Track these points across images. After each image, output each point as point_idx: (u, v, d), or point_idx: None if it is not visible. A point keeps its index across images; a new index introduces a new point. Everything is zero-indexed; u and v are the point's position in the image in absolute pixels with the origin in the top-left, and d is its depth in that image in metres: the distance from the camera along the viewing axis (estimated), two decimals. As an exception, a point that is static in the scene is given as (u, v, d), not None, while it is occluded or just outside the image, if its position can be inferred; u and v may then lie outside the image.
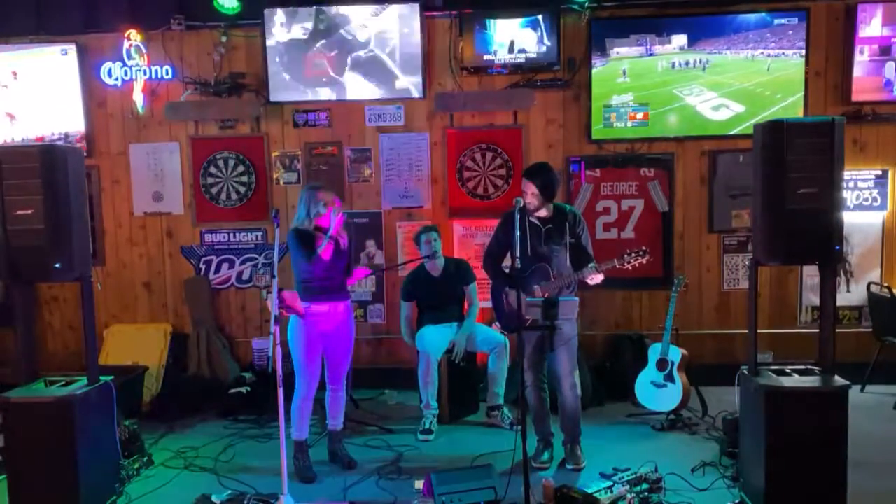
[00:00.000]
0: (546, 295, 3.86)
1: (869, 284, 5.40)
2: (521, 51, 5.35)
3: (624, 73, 5.36)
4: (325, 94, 5.49)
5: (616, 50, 5.33)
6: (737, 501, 3.54)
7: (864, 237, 5.44)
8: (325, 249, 3.87)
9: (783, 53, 5.26)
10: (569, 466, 4.04)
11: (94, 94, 5.70)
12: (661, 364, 4.71)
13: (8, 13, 5.61)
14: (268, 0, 5.40)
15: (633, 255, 3.86)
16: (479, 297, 5.08)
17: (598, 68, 5.35)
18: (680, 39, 5.31)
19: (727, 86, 5.34)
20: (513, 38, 5.34)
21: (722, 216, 5.52)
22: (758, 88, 5.32)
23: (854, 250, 5.44)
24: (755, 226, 3.56)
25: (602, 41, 5.33)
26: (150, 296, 5.88)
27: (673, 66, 5.34)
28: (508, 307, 4.08)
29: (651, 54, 5.32)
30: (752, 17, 5.27)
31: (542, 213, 3.97)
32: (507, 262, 4.17)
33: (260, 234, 5.79)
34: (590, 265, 3.87)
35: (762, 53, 5.28)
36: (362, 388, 5.43)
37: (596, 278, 3.88)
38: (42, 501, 3.49)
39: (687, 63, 5.34)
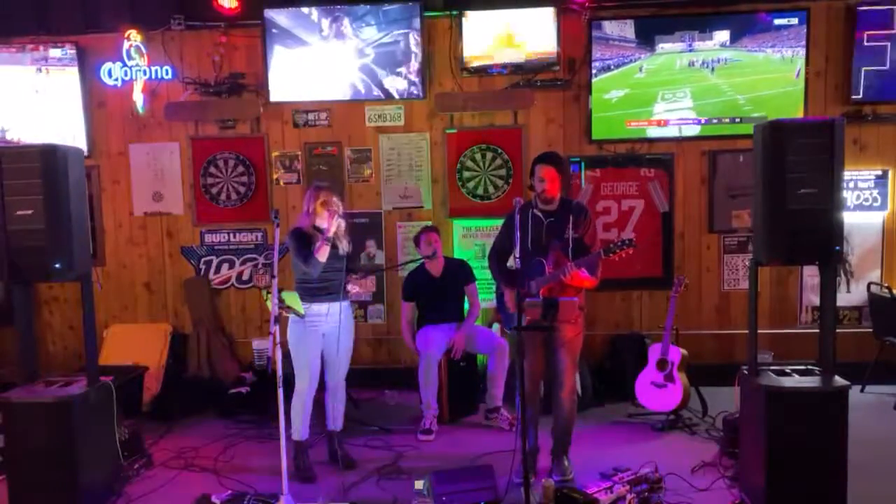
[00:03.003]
0: (542, 291, 3.75)
1: (869, 284, 5.40)
2: (521, 51, 5.37)
3: (641, 69, 5.35)
4: (326, 94, 5.49)
5: (661, 46, 5.31)
6: (737, 501, 3.54)
7: (864, 237, 5.43)
8: (320, 250, 3.88)
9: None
10: (556, 478, 3.78)
11: (95, 95, 5.70)
12: (661, 364, 4.71)
13: (8, 13, 5.61)
14: (268, 0, 5.41)
15: (619, 245, 3.62)
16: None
17: (628, 66, 5.35)
18: (722, 35, 5.27)
19: (720, 95, 5.30)
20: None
21: (722, 216, 5.52)
22: (746, 106, 5.28)
23: (854, 250, 5.44)
24: (755, 226, 3.56)
25: (651, 38, 5.30)
26: (150, 296, 5.88)
27: (690, 64, 5.32)
28: (510, 306, 4.02)
29: (691, 50, 5.30)
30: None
31: (551, 205, 3.80)
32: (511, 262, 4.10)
33: (260, 234, 5.79)
34: (568, 264, 3.64)
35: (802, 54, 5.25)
36: (362, 387, 5.43)
37: (576, 277, 3.64)
38: (42, 501, 3.49)
39: (702, 63, 5.30)
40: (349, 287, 4.09)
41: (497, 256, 4.08)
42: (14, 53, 5.62)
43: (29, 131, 5.66)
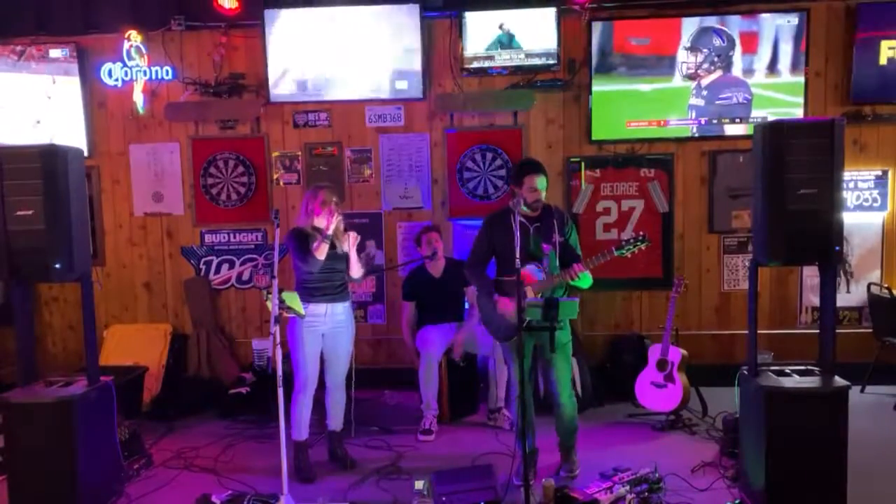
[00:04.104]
0: (537, 294, 3.71)
1: (869, 285, 5.40)
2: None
3: None
4: (326, 94, 5.49)
5: None
6: (737, 501, 3.54)
7: (864, 238, 5.43)
8: (318, 248, 3.89)
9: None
10: (562, 474, 3.88)
11: (95, 95, 5.70)
12: (661, 364, 4.71)
13: (8, 14, 5.62)
14: (268, 0, 5.41)
15: (633, 242, 3.67)
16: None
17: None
18: None
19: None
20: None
21: (722, 217, 5.51)
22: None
23: (854, 251, 5.44)
24: (755, 226, 3.56)
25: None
26: (150, 296, 5.88)
27: None
28: (500, 314, 3.85)
29: None
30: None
31: (535, 211, 3.80)
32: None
33: (260, 234, 5.79)
34: (575, 266, 3.67)
35: None
36: (362, 387, 5.42)
37: (581, 273, 3.67)
38: (42, 502, 3.49)
39: None
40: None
41: (479, 264, 3.94)
42: (26, 61, 5.63)
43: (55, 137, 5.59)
